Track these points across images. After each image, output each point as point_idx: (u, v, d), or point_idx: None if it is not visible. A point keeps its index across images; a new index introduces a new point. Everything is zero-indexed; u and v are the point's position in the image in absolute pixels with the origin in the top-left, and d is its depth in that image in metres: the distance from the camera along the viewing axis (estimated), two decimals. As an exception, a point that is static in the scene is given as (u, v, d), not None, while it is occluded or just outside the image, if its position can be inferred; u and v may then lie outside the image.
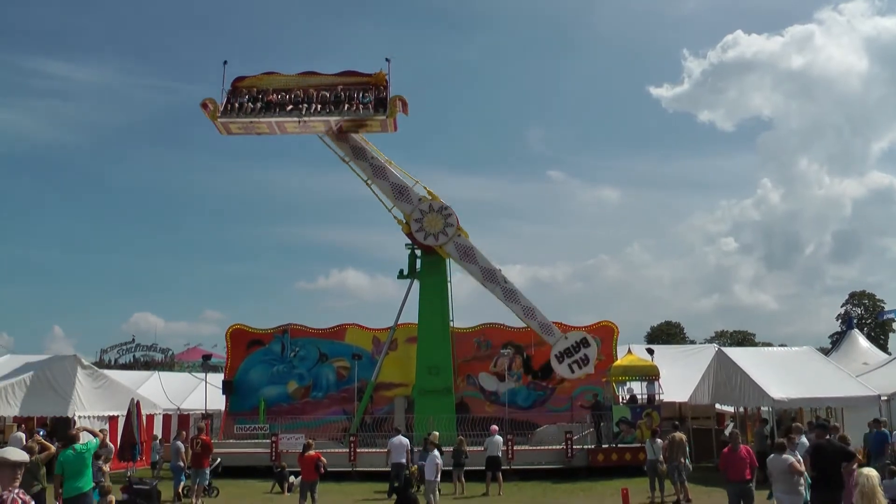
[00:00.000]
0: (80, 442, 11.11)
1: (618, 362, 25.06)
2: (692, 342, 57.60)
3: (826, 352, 31.68)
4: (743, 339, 71.17)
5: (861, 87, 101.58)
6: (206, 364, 30.15)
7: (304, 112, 25.46)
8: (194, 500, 16.88)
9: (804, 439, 14.76)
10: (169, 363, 50.49)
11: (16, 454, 5.25)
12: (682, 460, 16.93)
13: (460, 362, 28.08)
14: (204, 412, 26.53)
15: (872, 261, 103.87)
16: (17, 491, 4.98)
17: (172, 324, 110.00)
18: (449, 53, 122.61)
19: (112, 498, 12.71)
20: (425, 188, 27.13)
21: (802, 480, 10.66)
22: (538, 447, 23.76)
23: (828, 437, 11.84)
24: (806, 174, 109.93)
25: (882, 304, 62.90)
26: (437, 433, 19.33)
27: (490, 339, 28.97)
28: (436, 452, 16.38)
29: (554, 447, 23.18)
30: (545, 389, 28.54)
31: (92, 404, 22.34)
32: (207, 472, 17.72)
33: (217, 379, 29.12)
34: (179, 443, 18.78)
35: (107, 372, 26.73)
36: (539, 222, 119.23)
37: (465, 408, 27.14)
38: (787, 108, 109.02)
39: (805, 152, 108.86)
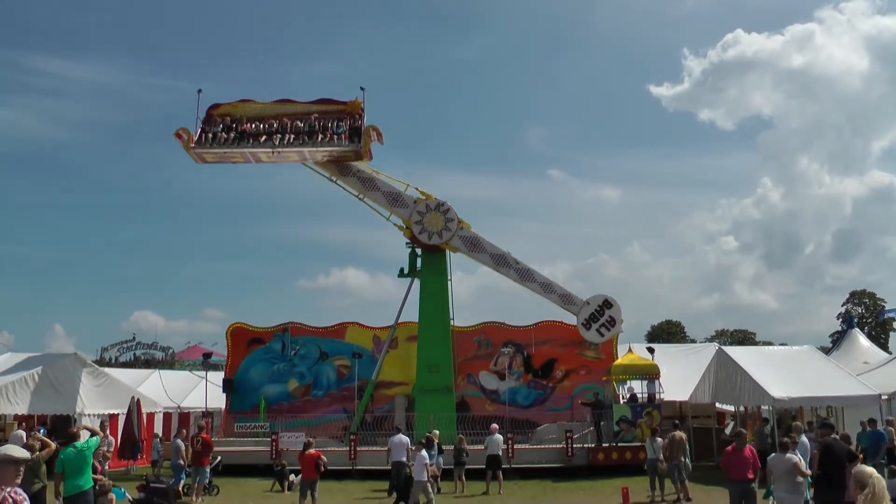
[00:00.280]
0: (81, 440, 11.11)
1: (618, 361, 25.08)
2: (692, 341, 57.60)
3: (826, 351, 31.69)
4: (743, 338, 71.19)
5: (861, 86, 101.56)
6: (206, 362, 30.20)
7: (277, 142, 25.49)
8: (195, 499, 16.90)
9: (804, 438, 14.78)
10: (169, 361, 50.49)
11: (19, 452, 5.25)
12: (683, 459, 16.92)
13: (461, 361, 28.07)
14: (204, 410, 26.57)
15: (873, 260, 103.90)
16: (8, 490, 4.96)
17: (173, 322, 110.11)
18: (449, 52, 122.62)
19: (112, 497, 12.69)
20: (417, 189, 27.21)
21: (803, 480, 10.65)
22: (538, 446, 23.77)
23: (833, 436, 11.84)
24: (806, 173, 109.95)
25: (882, 304, 62.90)
26: (438, 432, 19.36)
27: (490, 337, 28.96)
28: (423, 452, 16.40)
29: (554, 446, 23.19)
30: (545, 388, 28.54)
31: (92, 403, 22.35)
32: (208, 470, 17.74)
33: (217, 377, 29.12)
34: (180, 441, 18.79)
35: (107, 370, 26.75)
36: (539, 221, 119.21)
37: (465, 406, 27.15)
38: (787, 107, 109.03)
39: (805, 151, 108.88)
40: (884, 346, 42.55)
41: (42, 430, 20.00)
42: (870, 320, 63.38)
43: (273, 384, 28.32)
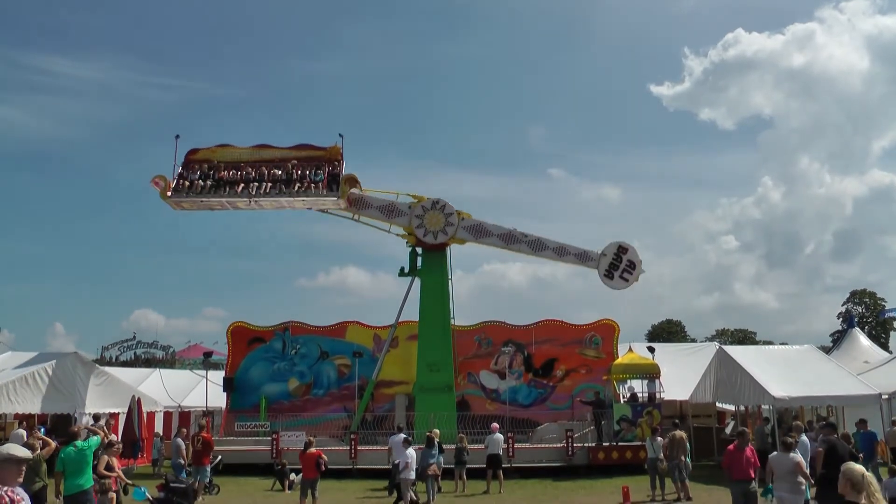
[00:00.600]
0: (82, 439, 11.11)
1: (619, 360, 25.08)
2: (693, 340, 57.58)
3: (827, 350, 31.67)
4: (744, 337, 71.22)
5: (862, 85, 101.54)
6: (206, 361, 30.16)
7: (254, 191, 25.51)
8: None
9: (804, 438, 14.77)
10: (170, 360, 50.46)
11: (21, 451, 5.25)
12: (683, 458, 16.92)
13: (461, 360, 28.09)
14: (205, 409, 26.56)
15: (873, 259, 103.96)
16: (5, 489, 4.95)
17: (173, 321, 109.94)
18: (449, 50, 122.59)
19: (113, 496, 12.69)
20: (408, 195, 27.41)
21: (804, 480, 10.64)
22: (539, 445, 23.78)
23: (835, 435, 11.86)
24: (807, 173, 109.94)
25: (883, 303, 62.94)
26: (438, 431, 19.34)
27: (491, 336, 28.98)
28: (410, 451, 16.41)
29: (555, 445, 23.21)
30: (546, 387, 28.55)
31: (93, 401, 22.35)
32: (208, 469, 17.75)
33: (218, 376, 29.12)
34: (180, 440, 18.81)
35: (108, 369, 26.73)
36: (539, 220, 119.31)
37: (465, 405, 27.18)
38: (787, 107, 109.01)
39: (806, 151, 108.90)
40: (884, 346, 42.57)
41: (42, 430, 20.00)
42: (870, 320, 63.39)
43: (273, 383, 28.33)
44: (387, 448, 19.18)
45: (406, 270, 27.66)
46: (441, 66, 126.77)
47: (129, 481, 14.45)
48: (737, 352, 23.50)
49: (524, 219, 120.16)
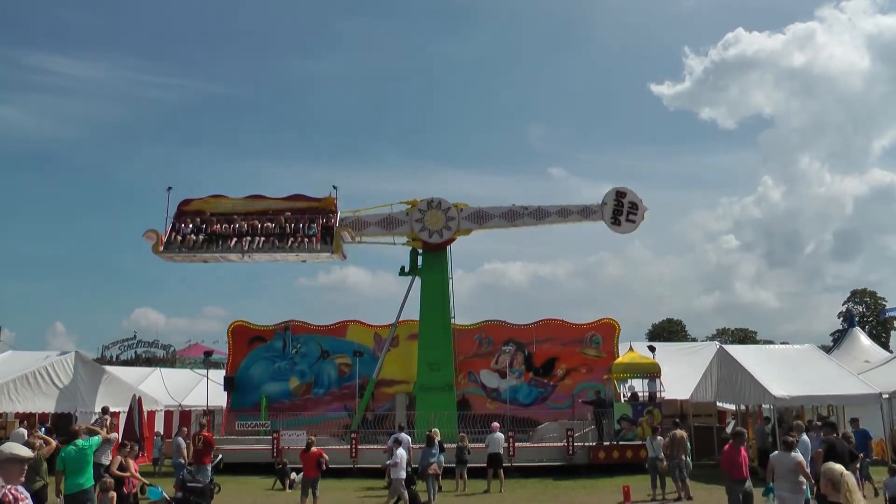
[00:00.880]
0: (82, 438, 11.11)
1: (619, 359, 25.08)
2: (693, 340, 57.60)
3: (827, 350, 31.66)
4: (744, 336, 71.20)
5: (862, 84, 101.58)
6: (207, 360, 30.20)
7: (246, 247, 25.49)
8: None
9: (805, 437, 14.77)
10: (170, 360, 50.52)
11: (24, 450, 5.26)
12: (683, 458, 16.91)
13: (461, 359, 28.08)
14: (205, 409, 26.56)
15: (874, 259, 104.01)
16: (9, 487, 4.97)
17: (174, 320, 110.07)
18: (449, 50, 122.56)
19: (113, 495, 12.68)
20: (401, 203, 27.50)
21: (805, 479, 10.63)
22: (539, 444, 23.78)
23: (834, 434, 11.86)
24: (807, 172, 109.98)
25: (883, 302, 62.95)
26: (438, 430, 19.35)
27: (491, 336, 28.97)
28: (401, 450, 16.44)
29: (555, 444, 23.21)
30: (546, 386, 28.55)
31: (93, 401, 22.36)
32: (209, 468, 17.73)
33: (218, 375, 29.13)
34: (181, 439, 18.80)
35: (108, 368, 26.76)
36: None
37: (466, 405, 27.17)
38: (788, 106, 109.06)
39: (806, 150, 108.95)
40: (885, 345, 42.55)
41: (42, 429, 20.00)
42: (871, 319, 63.38)
43: (274, 382, 28.32)
44: (387, 447, 19.18)
45: (406, 270, 27.67)
46: (441, 66, 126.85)
47: (145, 481, 14.47)
48: (737, 351, 23.49)
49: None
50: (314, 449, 15.37)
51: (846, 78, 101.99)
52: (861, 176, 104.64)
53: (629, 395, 24.40)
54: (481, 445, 19.96)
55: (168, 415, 27.52)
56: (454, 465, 19.19)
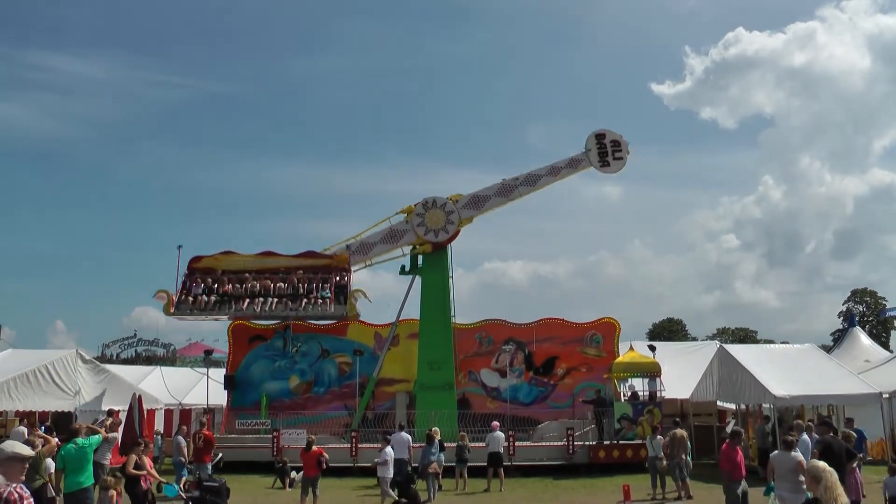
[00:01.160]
0: (82, 436, 11.10)
1: (619, 359, 25.07)
2: (694, 339, 57.60)
3: (828, 349, 31.67)
4: (745, 336, 71.20)
5: (863, 84, 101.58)
6: (207, 359, 30.13)
7: (258, 308, 25.51)
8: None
9: (805, 436, 14.77)
10: (171, 358, 50.45)
11: (25, 449, 5.27)
12: (684, 457, 16.93)
13: (462, 358, 28.07)
14: (206, 407, 26.55)
15: (874, 258, 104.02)
16: (15, 485, 4.98)
17: (174, 319, 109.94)
18: (449, 48, 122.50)
19: (113, 493, 12.68)
20: (399, 212, 27.60)
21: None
22: (539, 443, 23.78)
23: (831, 434, 11.84)
24: (808, 172, 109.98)
25: (884, 302, 62.95)
26: (438, 429, 19.36)
27: (491, 335, 28.95)
28: (388, 449, 16.48)
29: (555, 443, 23.21)
30: (547, 386, 28.54)
31: (94, 399, 22.36)
32: (209, 466, 17.75)
33: (219, 374, 29.09)
34: (181, 438, 18.80)
35: (108, 367, 26.71)
36: (540, 218, 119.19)
37: (466, 404, 27.18)
38: (788, 106, 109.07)
39: (807, 150, 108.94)
40: (885, 345, 42.55)
41: (42, 428, 20.01)
42: (871, 319, 63.37)
43: (274, 381, 28.29)
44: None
45: (407, 269, 27.70)
46: (441, 65, 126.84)
47: (161, 479, 14.49)
48: (738, 350, 23.50)
49: (524, 217, 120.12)
50: (314, 448, 15.39)
51: (847, 77, 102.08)
52: (861, 175, 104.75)
53: (629, 394, 24.40)
54: (482, 444, 19.97)
55: (168, 413, 27.50)
56: (454, 463, 19.20)
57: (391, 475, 16.21)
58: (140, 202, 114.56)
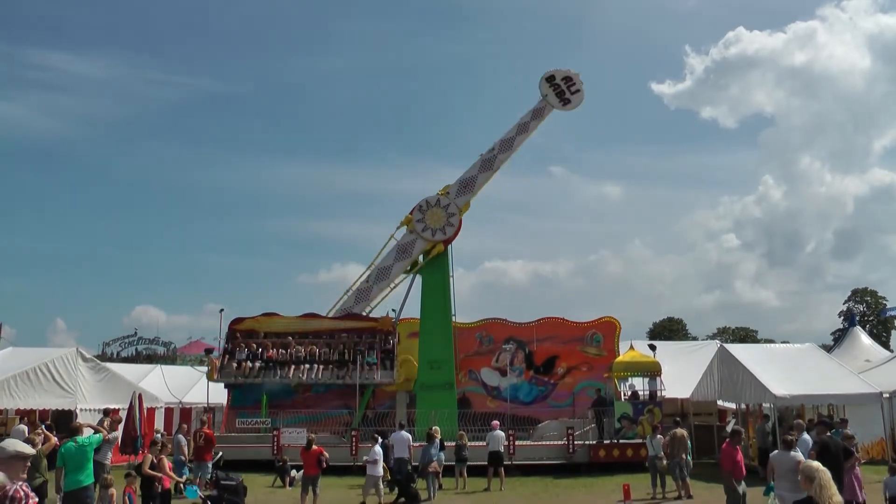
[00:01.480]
0: (83, 435, 11.10)
1: (620, 358, 25.06)
2: (694, 338, 57.60)
3: (828, 349, 31.68)
4: (745, 335, 71.17)
5: (863, 84, 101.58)
6: (208, 358, 30.15)
7: (304, 375, 25.27)
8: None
9: (806, 436, 14.75)
10: (171, 357, 50.50)
11: (26, 447, 5.28)
12: (684, 456, 16.93)
13: (462, 357, 28.07)
14: (206, 406, 26.56)
15: (874, 258, 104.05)
16: (20, 484, 4.99)
17: (174, 317, 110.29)
18: (450, 48, 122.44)
19: (113, 491, 12.70)
20: (399, 226, 27.82)
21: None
22: (540, 443, 23.77)
23: (829, 433, 11.84)
24: (808, 171, 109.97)
25: (884, 302, 62.93)
26: (438, 428, 19.36)
27: (492, 334, 28.96)
28: (377, 448, 16.49)
29: (555, 443, 23.20)
30: (547, 385, 28.53)
31: (94, 398, 22.37)
32: (209, 465, 17.75)
33: (219, 373, 29.11)
34: (181, 436, 18.81)
35: (109, 365, 26.72)
36: (540, 218, 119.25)
37: (466, 403, 27.18)
38: (789, 105, 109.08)
39: (807, 149, 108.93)
40: (885, 345, 42.58)
41: (43, 426, 20.02)
42: (871, 318, 63.34)
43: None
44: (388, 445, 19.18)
45: (408, 268, 27.69)
46: (442, 64, 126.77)
47: (180, 479, 14.48)
48: (738, 350, 23.50)
49: (525, 216, 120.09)
50: (315, 447, 15.40)
51: (847, 77, 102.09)
52: (862, 175, 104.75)
53: (630, 393, 24.40)
54: (482, 444, 19.97)
55: (168, 412, 27.50)
56: (454, 463, 19.20)
57: (380, 474, 16.23)
58: (140, 201, 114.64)
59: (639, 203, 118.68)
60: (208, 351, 29.69)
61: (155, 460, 12.89)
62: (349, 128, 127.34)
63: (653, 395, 23.68)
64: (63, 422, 20.37)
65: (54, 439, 12.42)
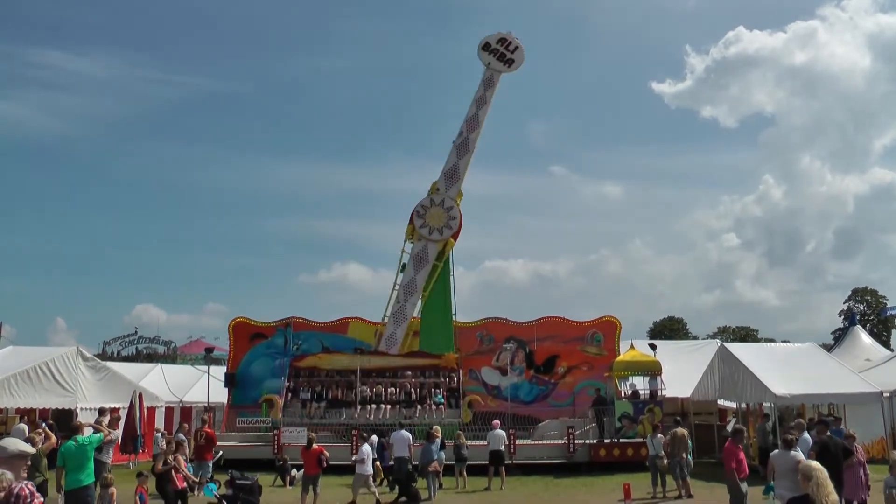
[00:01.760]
0: (83, 434, 11.10)
1: (620, 357, 25.06)
2: (695, 338, 57.59)
3: (828, 348, 31.67)
4: (745, 335, 71.12)
5: (864, 83, 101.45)
6: (208, 357, 30.16)
7: (371, 416, 24.37)
8: (196, 493, 16.91)
9: (806, 435, 14.74)
10: (171, 356, 50.56)
11: (27, 446, 5.29)
12: (684, 456, 16.93)
13: (463, 356, 28.08)
14: (206, 405, 26.58)
15: (874, 257, 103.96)
16: (25, 482, 5.01)
17: (175, 316, 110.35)
18: (449, 47, 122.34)
19: (114, 490, 12.70)
20: (406, 241, 28.23)
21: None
22: (540, 442, 23.77)
23: (828, 433, 11.85)
24: (808, 171, 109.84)
25: (885, 301, 62.83)
26: (439, 427, 19.35)
27: (492, 333, 28.99)
28: (366, 447, 16.50)
29: (556, 442, 23.19)
30: (547, 384, 28.56)
31: (94, 397, 22.38)
32: (210, 464, 17.75)
33: (219, 372, 29.11)
34: (181, 435, 18.80)
35: (109, 364, 26.74)
36: (541, 217, 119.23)
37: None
38: (789, 105, 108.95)
39: (807, 149, 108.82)
40: (886, 344, 42.56)
41: (43, 424, 20.03)
42: (872, 318, 63.30)
43: (275, 379, 28.26)
44: (388, 444, 19.19)
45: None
46: (442, 63, 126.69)
47: (195, 479, 14.47)
48: (738, 349, 23.51)
49: (525, 216, 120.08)
50: (315, 446, 15.40)
51: (847, 77, 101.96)
52: (862, 175, 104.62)
53: (630, 392, 24.40)
54: (482, 443, 19.96)
55: (169, 411, 27.52)
56: (454, 462, 19.20)
57: (369, 472, 16.23)
58: (140, 200, 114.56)
59: (639, 202, 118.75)
60: (209, 350, 29.74)
61: (169, 459, 12.88)
62: (349, 127, 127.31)
63: (653, 394, 23.68)
64: (63, 421, 20.39)
65: (54, 438, 12.41)
